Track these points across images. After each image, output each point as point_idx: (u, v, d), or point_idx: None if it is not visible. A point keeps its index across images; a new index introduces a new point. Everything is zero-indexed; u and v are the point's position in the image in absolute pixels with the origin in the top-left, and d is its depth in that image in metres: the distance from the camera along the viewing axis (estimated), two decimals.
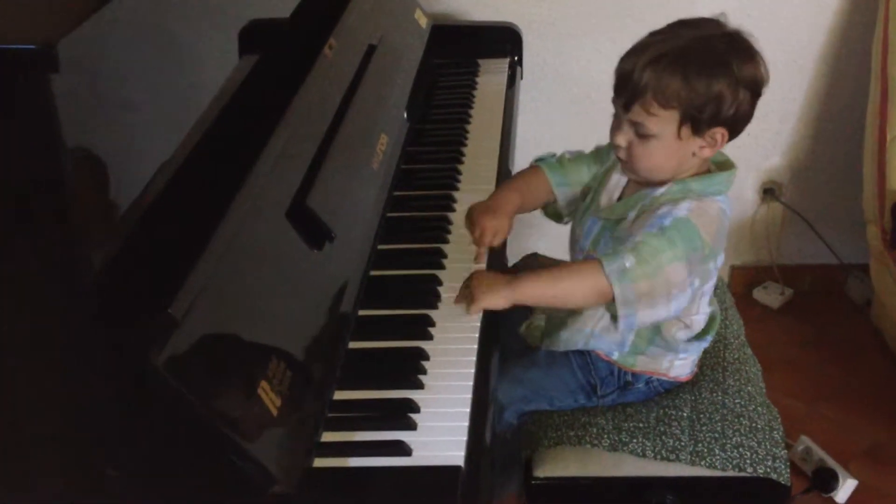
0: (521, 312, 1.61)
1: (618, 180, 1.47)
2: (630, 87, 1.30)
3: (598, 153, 1.56)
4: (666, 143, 1.33)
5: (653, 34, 1.34)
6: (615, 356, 1.50)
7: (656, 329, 1.45)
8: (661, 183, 1.38)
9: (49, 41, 0.85)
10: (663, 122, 1.31)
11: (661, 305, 1.34)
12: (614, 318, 1.36)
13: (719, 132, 1.33)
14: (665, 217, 1.33)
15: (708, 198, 1.37)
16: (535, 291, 1.37)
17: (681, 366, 1.53)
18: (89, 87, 0.97)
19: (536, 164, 1.58)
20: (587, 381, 1.52)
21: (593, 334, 1.48)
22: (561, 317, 1.53)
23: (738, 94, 1.30)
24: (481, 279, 1.36)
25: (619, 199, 1.46)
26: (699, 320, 1.48)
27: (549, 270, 1.40)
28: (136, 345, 0.88)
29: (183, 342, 0.92)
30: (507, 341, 1.56)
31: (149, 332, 0.89)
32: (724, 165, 1.43)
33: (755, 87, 1.33)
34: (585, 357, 1.52)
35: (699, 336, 1.51)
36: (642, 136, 1.33)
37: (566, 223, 1.59)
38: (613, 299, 1.32)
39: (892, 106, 2.26)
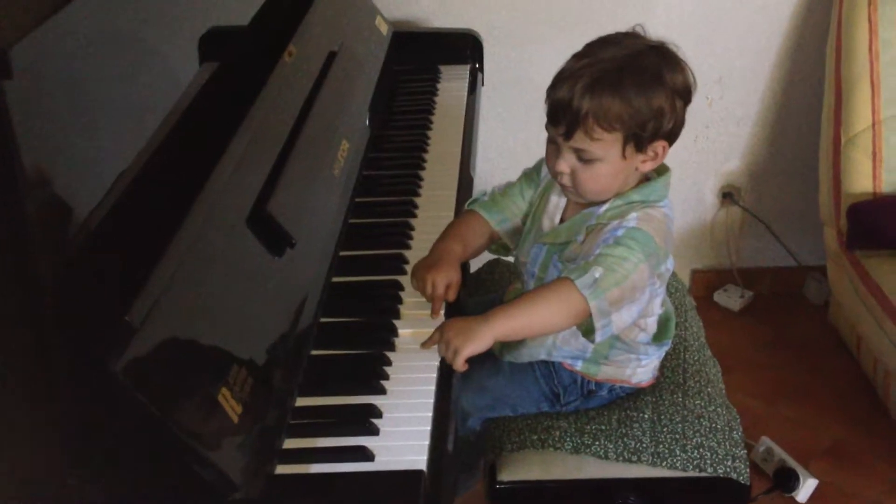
0: None
1: (556, 202, 1.45)
2: (570, 115, 1.28)
3: (528, 177, 1.53)
4: (611, 164, 1.32)
5: (577, 57, 1.32)
6: (579, 366, 1.51)
7: (615, 335, 1.46)
8: (603, 200, 1.38)
9: (1, 46, 0.84)
10: (607, 145, 1.30)
11: (629, 309, 1.34)
12: (588, 332, 1.35)
13: (660, 145, 1.34)
14: (616, 230, 1.34)
15: (651, 205, 1.38)
16: (513, 324, 1.31)
17: (643, 372, 1.54)
18: (45, 93, 0.96)
19: (470, 209, 1.52)
20: (550, 390, 1.53)
21: (555, 345, 1.49)
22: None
23: (675, 105, 1.32)
24: (455, 328, 1.28)
25: (562, 221, 1.44)
26: (652, 322, 1.49)
27: (520, 300, 1.34)
28: (93, 352, 0.87)
29: (141, 349, 0.91)
30: None
31: (106, 339, 0.89)
32: (660, 170, 1.42)
33: (688, 96, 1.34)
34: (549, 366, 1.52)
35: (658, 339, 1.53)
36: (586, 161, 1.32)
37: (514, 254, 1.55)
38: (589, 314, 1.31)
39: (846, 109, 2.30)
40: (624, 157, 1.32)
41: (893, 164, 2.28)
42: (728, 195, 2.67)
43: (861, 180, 2.30)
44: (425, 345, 1.28)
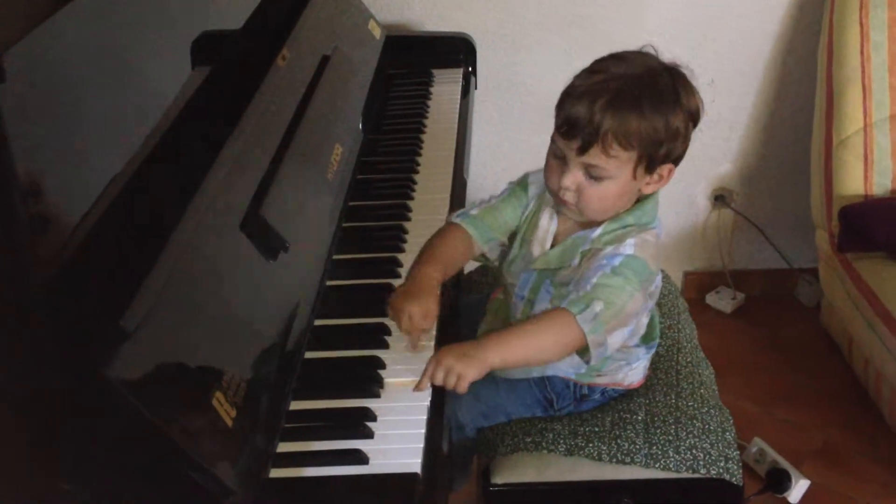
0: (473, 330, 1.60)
1: (546, 227, 1.42)
2: (588, 130, 1.25)
3: (515, 192, 1.47)
4: (620, 183, 1.30)
5: (589, 72, 1.30)
6: (573, 376, 1.52)
7: None
8: (596, 223, 1.36)
9: None
10: (621, 164, 1.28)
11: (621, 331, 1.32)
12: (582, 354, 1.32)
13: (667, 168, 1.33)
14: (613, 258, 1.31)
15: (644, 229, 1.36)
16: (510, 353, 1.26)
17: (634, 374, 1.55)
18: (38, 98, 0.96)
19: (455, 222, 1.45)
20: (543, 397, 1.53)
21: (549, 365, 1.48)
22: None
23: (689, 128, 1.31)
24: (454, 354, 1.21)
25: (553, 245, 1.42)
26: (641, 329, 1.49)
27: (516, 329, 1.31)
28: (87, 357, 0.87)
29: (135, 354, 0.91)
30: None
31: (100, 344, 0.89)
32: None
33: (698, 120, 1.33)
34: (542, 376, 1.53)
35: (646, 341, 1.53)
36: (596, 178, 1.29)
37: (495, 264, 1.52)
38: (585, 345, 1.28)
39: (837, 112, 2.31)
40: (634, 177, 1.30)
41: (884, 167, 2.29)
42: (720, 198, 2.68)
43: (852, 183, 2.31)
44: (421, 383, 1.20)
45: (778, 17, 2.46)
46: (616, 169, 1.28)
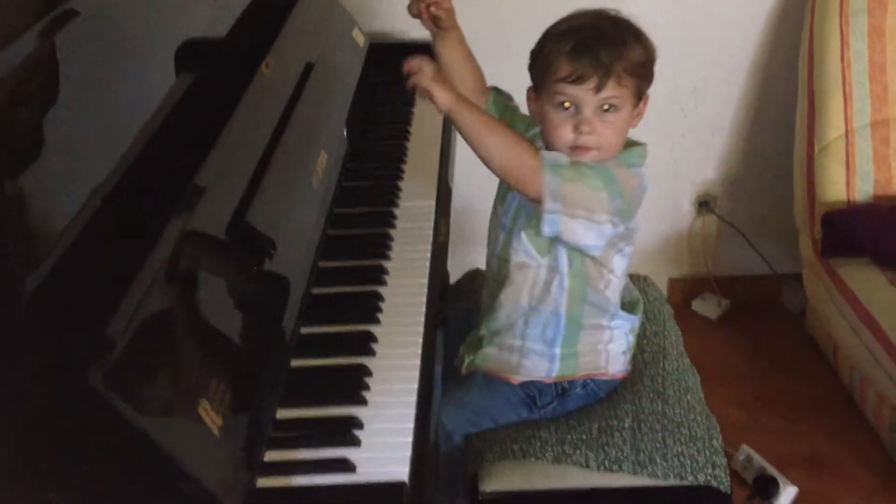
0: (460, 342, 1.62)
1: None
2: (600, 70, 1.36)
3: (525, 120, 1.59)
4: (626, 113, 1.41)
5: (564, 32, 1.40)
6: (554, 374, 1.52)
7: (584, 280, 1.48)
8: None
9: None
10: (629, 92, 1.39)
11: (581, 223, 1.39)
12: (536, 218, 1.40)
13: (644, 99, 1.45)
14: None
15: (623, 165, 1.43)
16: (471, 118, 1.38)
17: (616, 358, 1.56)
18: (21, 105, 0.95)
19: (490, 87, 1.65)
20: (526, 394, 1.54)
21: (526, 328, 1.51)
22: (485, 332, 1.56)
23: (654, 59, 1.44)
24: (436, 70, 1.38)
25: None
26: (615, 282, 1.52)
27: (493, 119, 1.45)
28: (72, 366, 0.86)
29: (119, 362, 0.90)
30: (447, 367, 1.57)
31: (85, 352, 0.88)
32: (635, 143, 1.50)
33: (655, 53, 1.45)
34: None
35: (627, 309, 1.56)
36: (609, 112, 1.39)
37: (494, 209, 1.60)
38: (538, 185, 1.36)
39: (819, 119, 2.32)
40: (633, 106, 1.42)
41: (866, 173, 2.31)
42: (704, 204, 2.69)
43: (835, 189, 2.32)
44: (407, 64, 1.37)
45: (759, 25, 2.48)
46: (626, 98, 1.40)
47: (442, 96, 1.36)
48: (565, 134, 1.41)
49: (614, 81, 1.37)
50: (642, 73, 1.40)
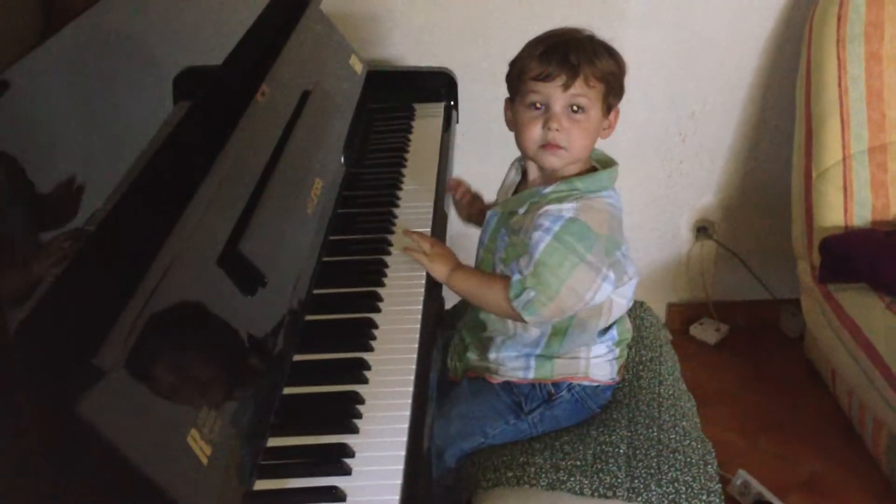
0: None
1: (513, 179, 1.60)
2: (567, 68, 1.42)
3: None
4: (595, 117, 1.47)
5: (540, 39, 1.48)
6: (531, 375, 1.56)
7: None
8: (549, 181, 1.49)
9: None
10: (597, 95, 1.45)
11: (572, 308, 1.47)
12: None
13: (615, 112, 1.51)
14: (556, 221, 1.43)
15: (592, 196, 1.47)
16: (464, 287, 1.54)
17: (598, 365, 1.57)
18: (15, 131, 0.96)
19: None
20: (511, 400, 1.56)
21: (503, 346, 1.58)
22: (467, 342, 1.64)
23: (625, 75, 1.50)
24: (440, 248, 1.55)
25: (514, 194, 1.58)
26: (617, 311, 1.56)
27: (482, 279, 1.54)
28: (60, 396, 0.86)
29: (108, 392, 0.90)
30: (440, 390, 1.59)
31: (73, 381, 0.88)
32: (607, 164, 1.53)
33: (625, 70, 1.51)
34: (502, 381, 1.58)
35: (607, 330, 1.58)
36: (577, 112, 1.45)
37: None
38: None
39: (816, 144, 2.33)
40: (602, 113, 1.47)
41: (864, 198, 2.31)
42: (702, 229, 2.70)
43: (833, 214, 2.33)
44: (409, 235, 1.58)
45: (757, 51, 2.49)
46: (594, 100, 1.45)
47: (436, 272, 1.53)
48: (535, 131, 1.47)
49: (582, 81, 1.43)
50: (611, 82, 1.46)
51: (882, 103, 2.30)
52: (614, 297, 1.52)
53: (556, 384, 1.56)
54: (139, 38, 1.33)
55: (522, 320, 1.48)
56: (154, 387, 0.99)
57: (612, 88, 1.47)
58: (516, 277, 1.46)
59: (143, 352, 0.98)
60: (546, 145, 1.46)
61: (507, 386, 1.57)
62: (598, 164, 1.53)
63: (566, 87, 1.43)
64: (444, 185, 1.87)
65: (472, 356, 1.62)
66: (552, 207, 1.45)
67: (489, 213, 1.60)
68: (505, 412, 1.56)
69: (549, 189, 1.48)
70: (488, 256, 1.58)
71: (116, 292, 1.01)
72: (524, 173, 1.57)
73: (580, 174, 1.50)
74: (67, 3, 1.21)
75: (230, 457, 1.04)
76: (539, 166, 1.52)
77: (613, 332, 1.59)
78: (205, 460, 0.98)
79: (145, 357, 0.98)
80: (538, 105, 1.46)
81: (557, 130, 1.44)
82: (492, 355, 1.58)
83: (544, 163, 1.49)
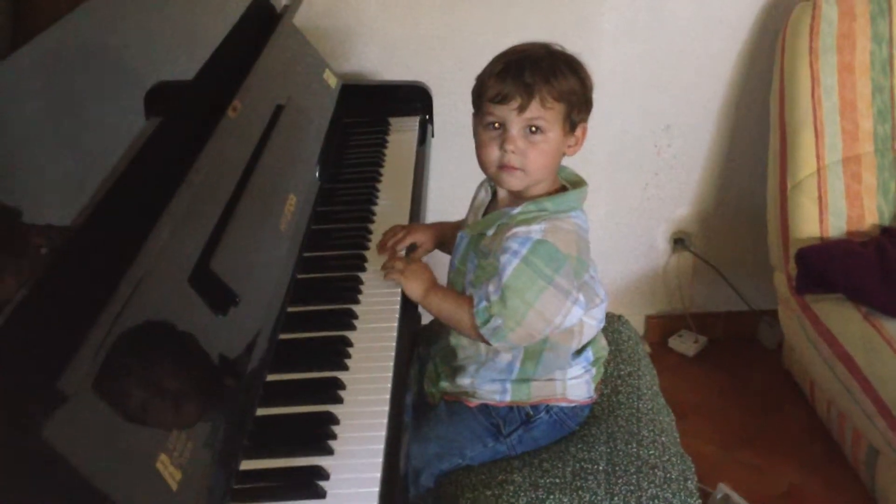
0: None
1: (482, 199, 1.56)
2: (523, 90, 1.38)
3: None
4: (555, 138, 1.42)
5: (502, 56, 1.44)
6: (508, 398, 1.54)
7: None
8: (518, 202, 1.46)
9: None
10: (556, 115, 1.41)
11: (541, 332, 1.44)
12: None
13: (582, 128, 1.46)
14: (524, 243, 1.41)
15: (561, 216, 1.44)
16: (438, 309, 1.51)
17: (575, 385, 1.55)
18: None
19: None
20: (490, 423, 1.54)
21: (478, 372, 1.54)
22: (439, 370, 1.62)
23: (591, 91, 1.46)
24: (416, 266, 1.54)
25: (485, 214, 1.54)
26: (588, 331, 1.53)
27: (456, 301, 1.50)
28: (22, 421, 0.84)
29: (73, 418, 0.88)
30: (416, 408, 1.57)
31: (36, 407, 0.85)
32: (577, 184, 1.50)
33: (592, 86, 1.48)
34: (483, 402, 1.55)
35: (581, 351, 1.56)
36: (537, 132, 1.41)
37: None
38: None
39: (791, 156, 2.34)
40: (563, 132, 1.43)
41: (839, 209, 2.32)
42: (679, 241, 2.70)
43: (808, 225, 2.33)
44: (384, 251, 1.61)
45: (731, 63, 2.50)
46: (552, 121, 1.41)
47: (411, 291, 1.52)
48: (492, 152, 1.43)
49: (538, 103, 1.39)
50: (573, 100, 1.42)
51: (855, 113, 2.31)
52: (585, 318, 1.50)
53: (534, 406, 1.54)
54: (110, 52, 1.31)
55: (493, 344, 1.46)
56: (121, 411, 0.97)
57: (574, 106, 1.43)
58: (483, 305, 1.43)
59: (111, 374, 0.96)
60: (503, 166, 1.43)
61: (485, 409, 1.55)
62: (568, 184, 1.50)
63: (521, 109, 1.39)
64: (419, 199, 1.86)
65: (445, 384, 1.59)
66: (521, 229, 1.42)
67: (459, 234, 1.56)
68: (483, 435, 1.54)
69: (517, 210, 1.45)
70: (458, 279, 1.54)
71: (83, 311, 0.98)
72: (494, 193, 1.54)
73: (550, 194, 1.47)
74: (36, 18, 1.19)
75: (201, 482, 1.01)
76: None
77: (588, 352, 1.57)
78: (174, 486, 0.95)
79: (112, 380, 0.96)
80: (496, 125, 1.43)
81: (513, 152, 1.41)
82: (466, 381, 1.56)
83: (503, 184, 1.46)
